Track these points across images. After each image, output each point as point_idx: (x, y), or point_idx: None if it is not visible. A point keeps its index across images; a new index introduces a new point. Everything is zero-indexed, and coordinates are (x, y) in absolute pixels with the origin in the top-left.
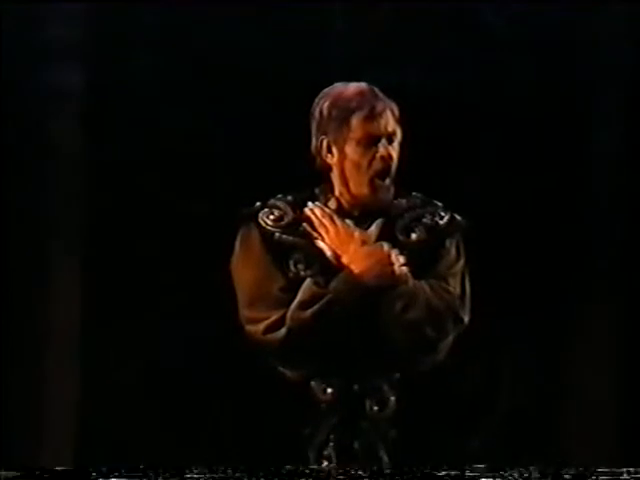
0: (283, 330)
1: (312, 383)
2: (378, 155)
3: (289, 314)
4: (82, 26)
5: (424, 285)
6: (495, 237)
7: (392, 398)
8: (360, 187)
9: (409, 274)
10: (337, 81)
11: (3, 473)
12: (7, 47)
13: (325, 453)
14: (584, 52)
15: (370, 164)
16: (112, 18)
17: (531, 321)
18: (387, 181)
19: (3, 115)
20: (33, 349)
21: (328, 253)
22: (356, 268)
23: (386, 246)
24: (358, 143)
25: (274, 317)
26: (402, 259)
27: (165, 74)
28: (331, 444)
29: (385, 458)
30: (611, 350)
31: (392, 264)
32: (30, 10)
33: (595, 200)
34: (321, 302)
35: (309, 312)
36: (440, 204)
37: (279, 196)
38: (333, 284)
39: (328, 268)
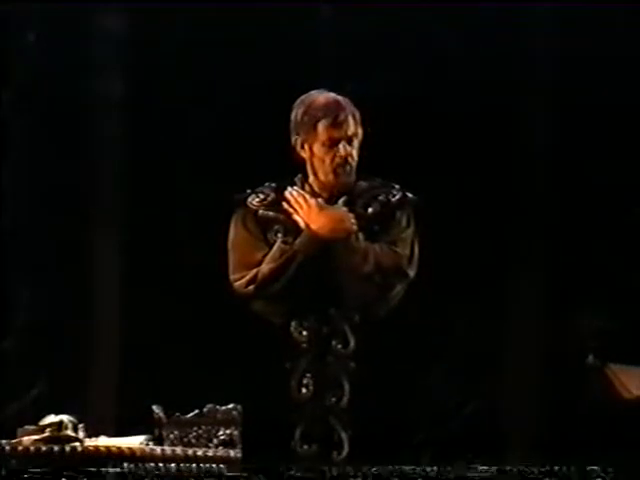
0: (258, 282)
1: (291, 327)
2: (338, 154)
3: (261, 267)
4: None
5: (375, 246)
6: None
7: (352, 338)
8: (325, 177)
9: (360, 232)
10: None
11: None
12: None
13: (304, 382)
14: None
15: (332, 160)
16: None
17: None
18: (346, 172)
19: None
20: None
21: (301, 223)
22: (315, 225)
23: (338, 207)
24: (323, 144)
25: (252, 273)
26: (352, 216)
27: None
28: (308, 375)
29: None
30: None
31: (343, 220)
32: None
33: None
34: (287, 254)
35: (277, 263)
36: (396, 185)
37: (266, 184)
38: (297, 241)
39: (299, 234)
